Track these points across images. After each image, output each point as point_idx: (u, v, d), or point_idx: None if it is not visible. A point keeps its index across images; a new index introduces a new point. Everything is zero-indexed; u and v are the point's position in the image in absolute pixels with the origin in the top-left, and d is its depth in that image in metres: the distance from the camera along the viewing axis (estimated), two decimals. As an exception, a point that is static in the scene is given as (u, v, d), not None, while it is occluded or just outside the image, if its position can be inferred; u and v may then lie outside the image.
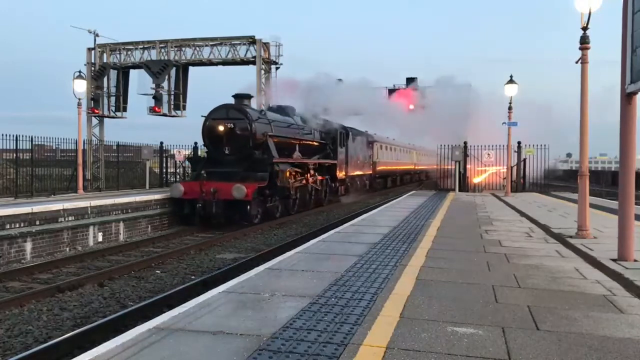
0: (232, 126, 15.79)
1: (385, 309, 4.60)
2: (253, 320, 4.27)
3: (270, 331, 3.97)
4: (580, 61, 8.87)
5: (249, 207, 14.72)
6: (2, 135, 15.17)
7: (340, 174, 23.14)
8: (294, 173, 17.45)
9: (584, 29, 8.62)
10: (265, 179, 15.45)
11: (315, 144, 21.34)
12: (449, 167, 24.50)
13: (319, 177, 20.50)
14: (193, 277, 9.00)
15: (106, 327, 6.01)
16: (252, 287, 5.39)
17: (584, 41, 8.74)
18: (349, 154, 24.21)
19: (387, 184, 35.35)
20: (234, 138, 15.80)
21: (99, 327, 6.02)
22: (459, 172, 22.94)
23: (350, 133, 24.56)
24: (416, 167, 45.68)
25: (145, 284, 8.46)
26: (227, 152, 15.95)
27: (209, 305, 4.71)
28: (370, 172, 29.50)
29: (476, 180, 26.50)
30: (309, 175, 19.20)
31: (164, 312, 4.87)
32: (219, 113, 16.27)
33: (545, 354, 3.59)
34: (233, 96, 16.97)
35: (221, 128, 15.77)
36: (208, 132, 16.09)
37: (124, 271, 9.22)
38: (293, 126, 19.33)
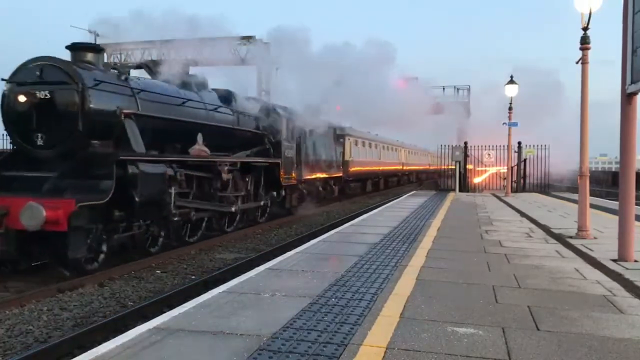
0: (47, 96, 8.86)
1: (386, 309, 4.61)
2: (253, 320, 4.28)
3: (270, 331, 3.98)
4: (580, 61, 8.88)
5: (70, 241, 7.86)
6: (3, 135, 15.19)
7: (289, 178, 16.41)
8: (184, 179, 10.69)
9: (585, 29, 8.63)
10: (108, 190, 8.26)
11: (242, 134, 14.32)
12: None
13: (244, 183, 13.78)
14: (193, 277, 9.00)
15: (106, 327, 6.01)
16: (252, 287, 5.39)
17: (585, 41, 8.75)
18: (303, 151, 17.93)
19: (367, 188, 29.50)
20: (52, 118, 8.93)
21: (99, 327, 6.03)
22: (459, 172, 22.97)
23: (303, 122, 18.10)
24: (405, 168, 40.09)
25: (146, 284, 8.45)
26: (40, 142, 9.02)
27: (209, 306, 4.72)
28: (340, 174, 23.37)
29: (476, 180, 26.54)
30: (222, 181, 12.34)
31: (164, 312, 4.88)
32: (26, 74, 9.08)
33: (545, 355, 3.59)
34: (68, 47, 9.78)
35: (22, 99, 8.82)
36: (7, 107, 9.14)
37: (124, 271, 9.21)
38: (192, 103, 12.05)
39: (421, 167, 46.53)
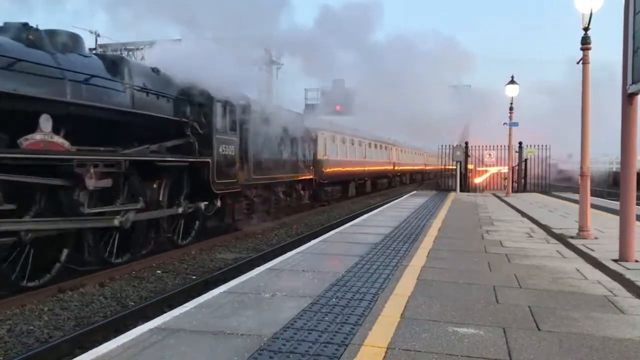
0: None
1: (386, 309, 4.61)
2: (254, 320, 4.28)
3: (271, 331, 3.98)
4: (581, 62, 8.88)
5: None
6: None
7: (228, 183, 12.07)
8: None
9: (585, 29, 8.63)
10: None
11: (143, 121, 9.77)
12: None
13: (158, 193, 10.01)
14: (194, 277, 9.00)
15: (107, 327, 6.02)
16: (253, 287, 5.39)
17: (585, 42, 8.75)
18: (251, 147, 13.51)
19: (349, 192, 24.78)
20: None
21: (100, 327, 6.03)
22: (460, 172, 22.99)
23: (251, 108, 13.39)
24: (396, 168, 35.60)
25: (147, 284, 8.46)
26: None
27: (210, 306, 4.72)
28: (311, 176, 19.14)
29: (477, 180, 26.56)
30: (88, 191, 7.94)
31: (165, 312, 4.89)
32: None
33: (546, 355, 3.59)
34: None
35: None
36: None
37: (125, 271, 9.22)
38: (37, 68, 7.51)
39: (416, 168, 43.88)
